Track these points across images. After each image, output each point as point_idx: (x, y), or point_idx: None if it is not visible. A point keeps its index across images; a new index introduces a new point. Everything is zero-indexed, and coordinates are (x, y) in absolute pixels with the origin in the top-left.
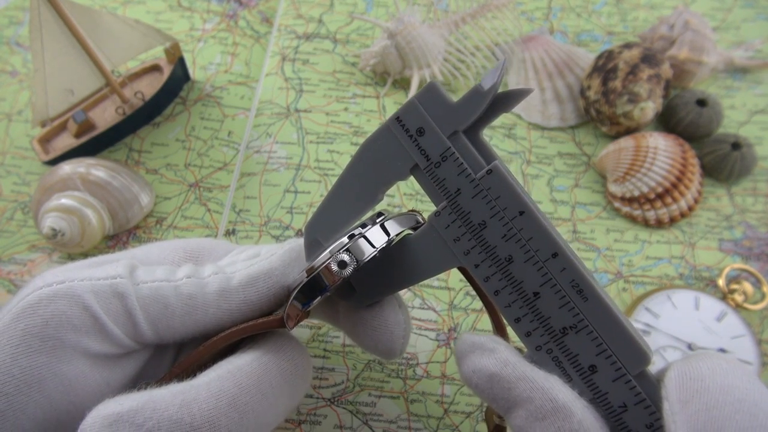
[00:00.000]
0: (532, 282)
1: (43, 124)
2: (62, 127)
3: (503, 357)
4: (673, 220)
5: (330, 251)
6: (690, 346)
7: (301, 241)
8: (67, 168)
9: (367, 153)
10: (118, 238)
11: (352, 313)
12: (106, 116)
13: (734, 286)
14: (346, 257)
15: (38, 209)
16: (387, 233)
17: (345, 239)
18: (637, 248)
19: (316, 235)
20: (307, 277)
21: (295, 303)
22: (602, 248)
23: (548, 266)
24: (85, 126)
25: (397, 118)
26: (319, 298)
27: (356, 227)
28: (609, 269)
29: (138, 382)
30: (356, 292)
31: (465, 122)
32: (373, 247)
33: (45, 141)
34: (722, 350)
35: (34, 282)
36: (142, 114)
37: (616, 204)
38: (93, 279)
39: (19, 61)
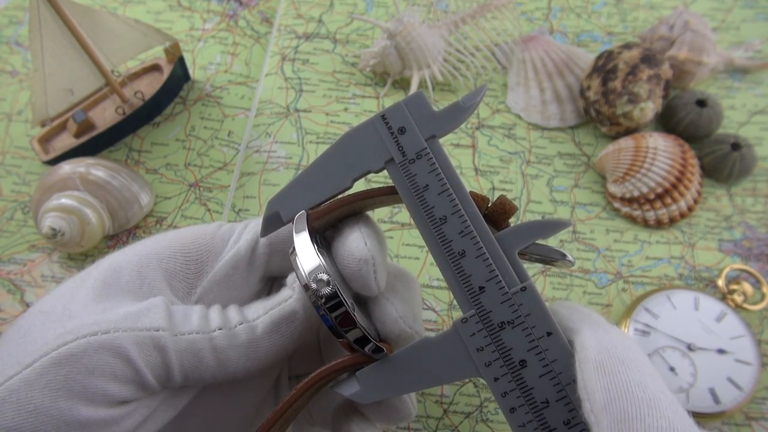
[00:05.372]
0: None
1: (43, 124)
2: (62, 127)
3: None
4: (672, 221)
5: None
6: (689, 347)
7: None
8: (66, 168)
9: (347, 142)
10: (118, 237)
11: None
12: (105, 116)
13: (734, 287)
14: (324, 276)
15: (38, 209)
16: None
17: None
18: (637, 248)
19: (278, 208)
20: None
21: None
22: (602, 248)
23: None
24: (85, 126)
25: (383, 116)
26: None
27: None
28: (609, 269)
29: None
30: (359, 388)
31: (443, 129)
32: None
33: (45, 141)
34: (722, 351)
35: (71, 322)
36: (141, 114)
37: (616, 204)
38: (136, 329)
39: (19, 60)
